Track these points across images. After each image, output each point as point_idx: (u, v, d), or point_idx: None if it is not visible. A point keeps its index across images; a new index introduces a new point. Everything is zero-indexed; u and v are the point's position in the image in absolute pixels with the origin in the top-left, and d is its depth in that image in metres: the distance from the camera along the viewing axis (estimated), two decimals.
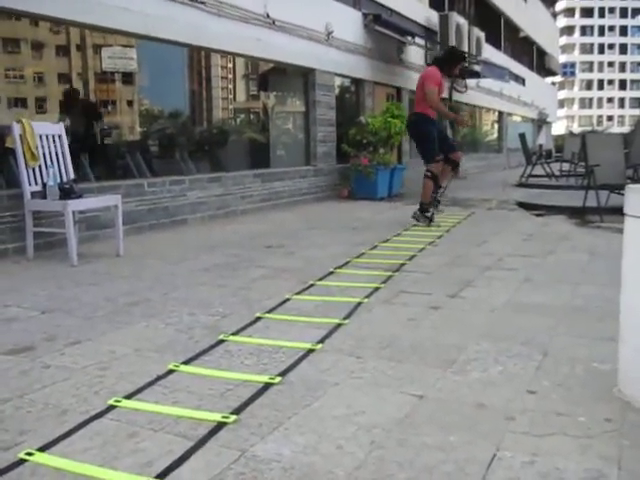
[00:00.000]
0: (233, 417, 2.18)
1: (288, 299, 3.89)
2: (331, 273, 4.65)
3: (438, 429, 2.11)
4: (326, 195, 10.37)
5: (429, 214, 7.18)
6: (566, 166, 14.55)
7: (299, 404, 2.31)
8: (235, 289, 4.18)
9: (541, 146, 21.91)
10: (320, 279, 4.43)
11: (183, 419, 2.19)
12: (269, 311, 3.62)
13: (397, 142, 11.01)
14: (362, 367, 2.70)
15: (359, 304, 3.74)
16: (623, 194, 2.45)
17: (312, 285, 4.26)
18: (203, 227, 7.33)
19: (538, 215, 8.62)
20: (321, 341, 3.05)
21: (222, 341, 3.08)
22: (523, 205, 9.68)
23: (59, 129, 5.44)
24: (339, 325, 3.33)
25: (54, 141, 5.37)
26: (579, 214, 8.50)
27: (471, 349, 2.91)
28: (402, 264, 4.94)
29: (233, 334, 3.19)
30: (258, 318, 3.48)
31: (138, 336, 3.18)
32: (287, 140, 10.16)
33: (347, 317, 3.47)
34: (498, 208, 9.23)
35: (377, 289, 4.12)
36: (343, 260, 5.11)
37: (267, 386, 2.48)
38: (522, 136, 15.74)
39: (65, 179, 5.33)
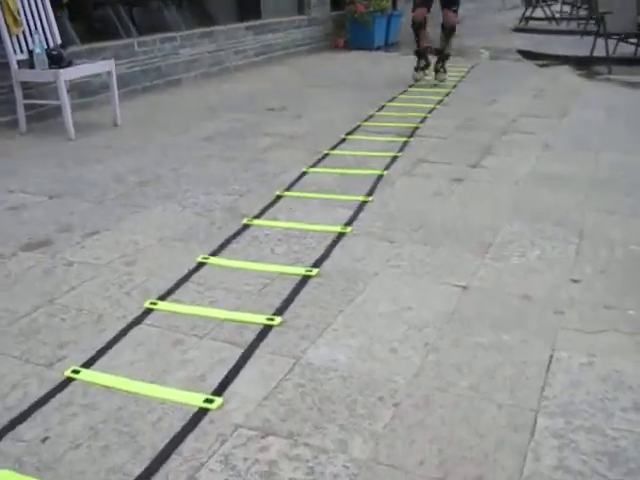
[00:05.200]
0: (278, 319, 2.11)
1: (305, 172, 3.75)
2: (343, 140, 4.47)
3: (489, 326, 2.06)
4: (321, 46, 9.86)
5: (418, 65, 6.59)
6: (566, 8, 13.88)
7: (342, 300, 2.25)
8: (246, 161, 4.02)
9: None
10: (333, 148, 4.26)
11: (226, 322, 2.12)
12: (288, 188, 3.48)
13: None
14: (398, 254, 2.62)
15: (380, 177, 3.61)
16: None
17: (326, 155, 4.10)
18: (198, 87, 6.98)
19: (543, 65, 8.29)
20: (349, 223, 2.95)
21: (247, 226, 2.97)
22: (526, 54, 9.29)
23: None
24: (364, 202, 3.22)
25: (36, 3, 4.93)
26: (585, 64, 8.19)
27: (505, 230, 2.83)
28: (415, 127, 4.76)
29: (256, 217, 3.07)
30: (278, 197, 3.35)
31: (157, 222, 3.06)
32: None
33: (370, 193, 3.35)
34: (501, 58, 8.84)
35: (395, 158, 3.97)
36: (352, 124, 4.91)
37: (305, 279, 2.40)
38: None
39: (52, 45, 4.95)
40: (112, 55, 6.06)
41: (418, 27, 6.26)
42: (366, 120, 5.04)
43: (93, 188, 3.59)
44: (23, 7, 4.83)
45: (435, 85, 6.49)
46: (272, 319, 2.11)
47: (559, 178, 3.54)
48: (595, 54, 8.08)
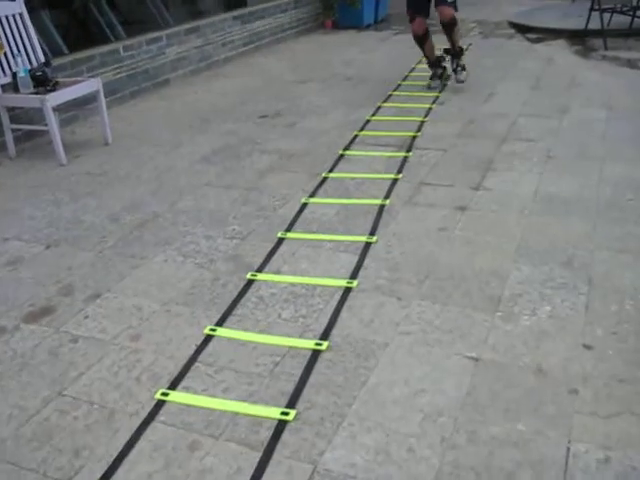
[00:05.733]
0: (292, 412, 2.10)
1: (305, 204, 3.69)
2: (341, 157, 4.40)
3: (503, 412, 2.05)
4: (309, 27, 9.67)
5: (434, 73, 6.00)
6: None
7: (355, 382, 2.23)
8: (244, 191, 3.96)
9: None
10: (331, 169, 4.20)
11: (240, 416, 2.10)
12: (289, 227, 3.44)
13: None
14: (407, 315, 2.59)
15: (382, 207, 3.56)
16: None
17: (325, 179, 4.04)
18: (187, 86, 6.85)
19: (536, 40, 8.16)
20: (354, 274, 2.91)
21: (251, 281, 2.93)
22: (518, 27, 9.13)
23: (18, 6, 4.83)
24: (368, 244, 3.17)
25: (15, 22, 4.79)
26: (580, 38, 8.05)
27: (513, 278, 2.80)
28: (413, 137, 4.68)
29: (259, 269, 3.03)
30: (280, 239, 3.31)
31: (159, 279, 3.02)
32: None
33: (373, 232, 3.30)
34: (494, 35, 8.68)
35: (395, 181, 3.91)
36: (349, 134, 4.83)
37: (315, 354, 2.38)
38: None
39: (35, 64, 4.83)
40: (98, 63, 5.94)
41: (421, 41, 5.75)
42: (362, 128, 4.95)
43: (90, 233, 3.53)
44: (3, 28, 4.70)
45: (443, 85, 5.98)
46: (286, 413, 2.09)
47: (564, 202, 3.50)
48: (589, 26, 7.94)
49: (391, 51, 7.88)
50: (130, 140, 5.13)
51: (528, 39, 8.32)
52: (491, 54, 7.46)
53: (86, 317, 2.74)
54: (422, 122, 5.01)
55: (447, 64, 6.02)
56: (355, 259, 3.04)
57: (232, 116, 5.58)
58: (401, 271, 2.92)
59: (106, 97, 5.94)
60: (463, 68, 5.83)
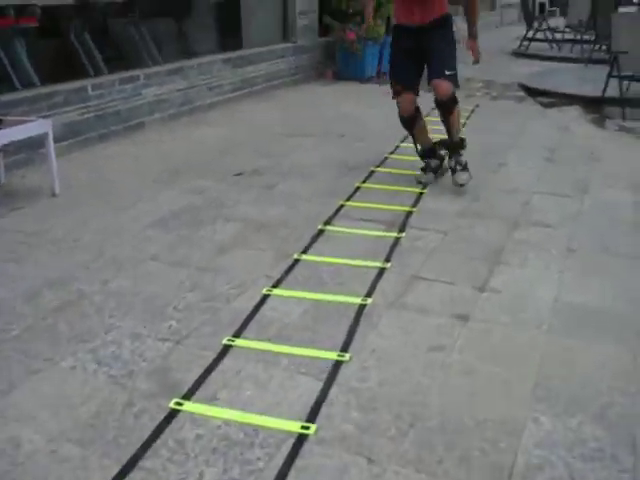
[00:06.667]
0: None
1: (266, 296, 2.95)
2: (320, 233, 3.67)
3: None
4: (308, 76, 9.07)
5: (427, 165, 4.62)
6: (567, 27, 13.10)
7: None
8: (196, 271, 3.22)
9: (534, 0, 20.05)
10: (306, 248, 3.46)
11: None
12: (240, 330, 2.68)
13: (390, 12, 9.53)
14: None
15: (361, 309, 2.81)
16: None
17: (297, 262, 3.30)
18: (165, 131, 6.17)
19: (549, 105, 7.53)
20: (313, 414, 2.14)
21: (174, 413, 2.16)
22: (529, 90, 8.53)
23: None
24: (338, 364, 2.41)
25: None
26: (595, 105, 7.44)
27: (529, 437, 2.04)
28: (407, 212, 3.96)
29: (189, 393, 2.26)
30: (226, 348, 2.54)
31: (57, 397, 2.27)
32: (261, 13, 8.64)
33: (346, 346, 2.54)
34: (503, 97, 8.07)
35: (381, 272, 3.17)
36: (334, 203, 4.11)
37: None
38: None
39: None
40: (62, 101, 5.26)
41: (410, 124, 4.42)
42: (350, 197, 4.23)
43: None
44: None
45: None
46: None
47: (593, 316, 2.77)
48: (607, 93, 7.34)
49: (393, 107, 7.20)
50: (82, 192, 4.42)
51: (540, 103, 7.71)
52: (500, 118, 6.82)
53: None
54: (420, 194, 4.30)
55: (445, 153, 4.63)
56: (318, 387, 2.28)
57: (205, 171, 4.87)
58: (377, 412, 2.15)
59: (69, 139, 5.34)
60: (464, 167, 4.32)
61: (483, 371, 2.37)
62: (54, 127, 4.46)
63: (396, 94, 4.32)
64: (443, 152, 4.59)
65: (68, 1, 6.17)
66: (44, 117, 4.72)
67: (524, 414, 2.15)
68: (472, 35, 4.33)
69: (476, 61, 4.41)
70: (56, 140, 4.97)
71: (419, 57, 4.23)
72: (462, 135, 4.47)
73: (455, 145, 4.37)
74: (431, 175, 4.56)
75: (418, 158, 4.64)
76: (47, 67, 5.73)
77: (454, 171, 4.35)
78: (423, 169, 4.57)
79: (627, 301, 2.88)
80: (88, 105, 5.60)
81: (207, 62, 7.15)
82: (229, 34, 7.98)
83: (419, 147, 4.60)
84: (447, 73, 4.12)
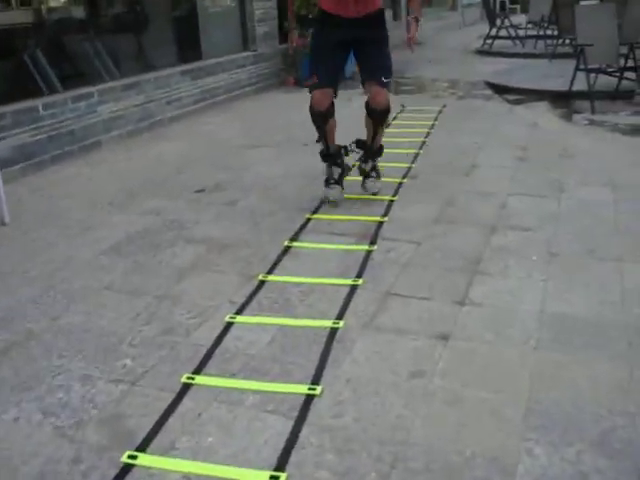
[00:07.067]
0: None
1: (230, 324, 2.71)
2: (287, 251, 3.44)
3: None
4: (269, 84, 8.85)
5: (330, 176, 4.13)
6: (529, 24, 13.05)
7: None
8: (153, 300, 2.97)
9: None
10: (272, 268, 3.23)
11: None
12: (200, 365, 2.44)
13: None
14: None
15: (333, 333, 2.58)
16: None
17: (262, 284, 3.06)
18: (122, 150, 5.90)
19: (517, 102, 7.40)
20: (283, 461, 1.91)
21: (126, 469, 1.91)
22: (496, 87, 8.41)
23: None
24: (309, 399, 2.18)
25: None
26: (563, 100, 7.33)
27: (524, 473, 1.81)
28: (379, 222, 3.76)
29: (143, 445, 2.01)
30: (185, 387, 2.30)
31: None
32: (218, 22, 8.40)
33: (317, 377, 2.32)
34: (470, 96, 7.92)
35: (353, 290, 2.95)
36: (300, 217, 3.89)
37: None
38: None
39: None
40: (10, 123, 4.98)
41: (323, 120, 3.90)
42: (317, 210, 4.01)
43: None
44: None
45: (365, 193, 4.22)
46: None
47: (582, 326, 2.57)
48: (574, 87, 7.23)
49: (357, 111, 6.99)
50: (33, 219, 4.14)
51: (508, 101, 7.58)
52: (468, 117, 6.66)
53: None
54: (390, 202, 4.09)
55: (350, 160, 4.27)
56: (288, 427, 2.05)
57: (163, 189, 4.62)
58: (355, 455, 1.92)
59: (20, 163, 5.07)
60: (379, 174, 4.12)
61: (469, 398, 2.16)
62: (4, 150, 4.20)
63: (313, 87, 3.84)
64: (346, 160, 4.17)
65: (22, 20, 5.91)
66: None
67: (516, 445, 1.94)
68: (415, 15, 3.93)
69: (411, 49, 4.02)
70: (7, 164, 4.73)
71: (345, 51, 3.86)
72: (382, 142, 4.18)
73: (376, 151, 4.11)
74: (338, 189, 4.05)
75: (386, 164, 4.42)
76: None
77: (367, 176, 4.10)
78: (327, 182, 4.07)
79: (616, 308, 2.69)
80: (40, 125, 5.32)
81: (165, 75, 6.89)
82: (187, 46, 7.73)
83: (326, 146, 4.06)
84: (385, 80, 3.79)
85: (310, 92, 3.86)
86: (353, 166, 4.35)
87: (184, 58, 7.46)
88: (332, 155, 4.05)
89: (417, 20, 3.92)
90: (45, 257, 3.53)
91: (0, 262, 3.50)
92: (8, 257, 3.57)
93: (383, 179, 4.30)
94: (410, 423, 2.05)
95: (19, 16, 6.04)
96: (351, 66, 4.26)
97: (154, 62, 7.10)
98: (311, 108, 3.86)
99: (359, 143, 4.14)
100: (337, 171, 4.08)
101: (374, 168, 4.12)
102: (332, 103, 3.88)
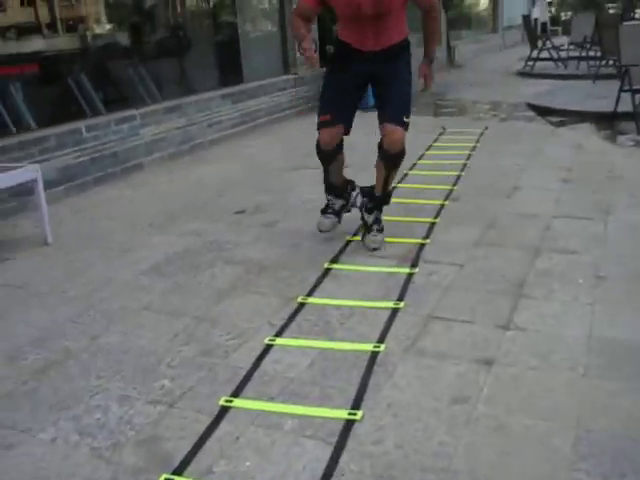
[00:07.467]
0: None
1: (269, 346, 2.67)
2: (326, 272, 3.40)
3: None
4: (310, 107, 8.83)
5: (329, 205, 3.86)
6: (571, 45, 12.93)
7: None
8: (192, 321, 2.96)
9: (536, 21, 20.02)
10: (311, 291, 3.19)
11: None
12: (239, 388, 2.41)
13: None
14: None
15: (373, 358, 2.53)
16: None
17: (302, 306, 3.03)
18: (164, 172, 5.97)
19: (559, 124, 7.28)
20: None
21: None
22: (538, 109, 8.30)
23: None
24: (348, 424, 2.12)
25: None
26: (607, 121, 7.20)
27: None
28: (420, 245, 3.70)
29: (180, 469, 1.99)
30: (223, 410, 2.27)
31: (32, 476, 1.98)
32: (259, 46, 8.50)
33: (358, 402, 2.26)
34: (512, 118, 7.84)
35: (394, 313, 2.89)
36: (340, 239, 3.85)
37: None
38: (525, 17, 14.02)
39: None
40: (54, 144, 5.08)
41: (330, 158, 3.63)
42: (357, 231, 3.97)
43: None
44: None
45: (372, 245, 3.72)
46: None
47: (634, 354, 2.46)
48: (618, 108, 7.10)
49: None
50: (74, 240, 4.19)
51: (550, 122, 7.47)
52: (510, 139, 6.58)
53: None
54: (432, 224, 4.03)
55: (355, 198, 3.93)
56: (327, 453, 2.00)
57: (204, 211, 4.64)
58: None
59: (63, 184, 5.15)
60: (381, 229, 3.69)
61: (515, 425, 2.08)
62: (48, 172, 4.27)
63: (322, 125, 3.50)
64: (353, 198, 3.91)
65: (69, 47, 6.07)
66: (37, 162, 4.52)
67: (566, 475, 1.85)
68: (428, 57, 3.63)
69: (426, 89, 3.70)
70: (51, 185, 4.81)
71: (362, 86, 3.60)
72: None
73: (382, 199, 3.71)
74: (333, 220, 3.78)
75: (427, 186, 4.37)
76: (44, 110, 5.58)
77: (370, 230, 3.67)
78: (325, 210, 3.80)
79: None
80: (83, 147, 5.42)
81: (206, 98, 6.98)
82: (229, 69, 7.84)
83: (332, 184, 3.79)
84: (405, 120, 3.43)
85: (318, 129, 3.53)
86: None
87: (225, 81, 7.55)
88: (338, 190, 3.81)
89: (431, 62, 3.64)
90: (85, 277, 3.56)
91: (40, 282, 3.53)
92: (48, 277, 3.61)
93: (424, 200, 4.24)
94: (453, 450, 1.98)
95: (65, 42, 6.21)
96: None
97: (196, 86, 7.20)
98: (318, 146, 3.59)
99: (365, 191, 3.83)
100: (340, 202, 3.84)
101: (378, 220, 3.70)
102: (340, 143, 3.59)
